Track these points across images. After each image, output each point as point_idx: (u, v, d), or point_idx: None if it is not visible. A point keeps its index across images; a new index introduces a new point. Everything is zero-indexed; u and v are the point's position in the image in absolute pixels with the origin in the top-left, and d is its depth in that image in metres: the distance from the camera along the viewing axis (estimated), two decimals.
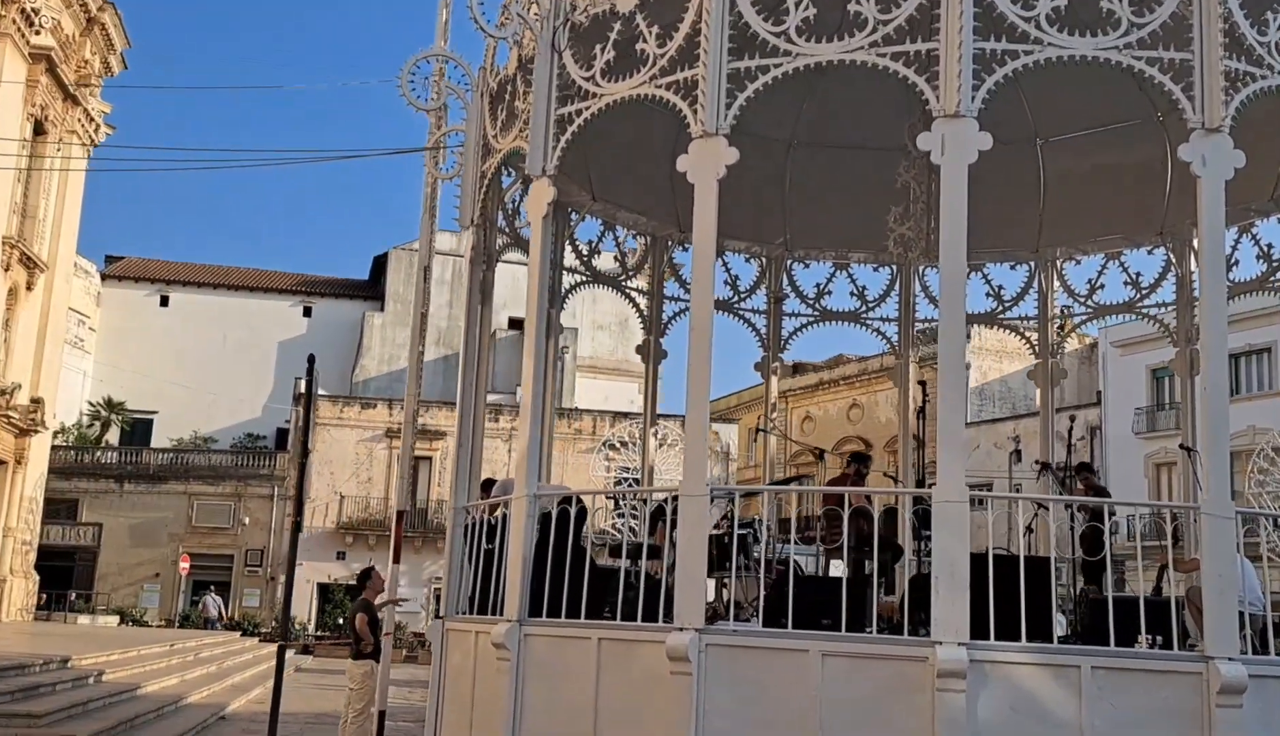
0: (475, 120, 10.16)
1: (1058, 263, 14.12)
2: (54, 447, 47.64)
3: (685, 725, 7.57)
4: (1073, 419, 10.71)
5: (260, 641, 35.16)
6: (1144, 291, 13.58)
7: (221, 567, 46.26)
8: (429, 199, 12.62)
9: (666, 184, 12.12)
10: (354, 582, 9.58)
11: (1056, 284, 14.15)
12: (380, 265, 58.02)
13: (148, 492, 47.01)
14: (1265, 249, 12.46)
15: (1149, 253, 13.53)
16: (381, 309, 56.20)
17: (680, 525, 7.94)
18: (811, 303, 14.89)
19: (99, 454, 49.53)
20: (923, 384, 8.31)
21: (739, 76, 8.09)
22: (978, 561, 7.55)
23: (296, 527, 9.61)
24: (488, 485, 11.15)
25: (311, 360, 9.70)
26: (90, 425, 53.96)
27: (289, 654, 34.12)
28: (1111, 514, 8.20)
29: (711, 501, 8.03)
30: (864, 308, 14.84)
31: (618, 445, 38.12)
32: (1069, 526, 9.22)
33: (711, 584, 10.76)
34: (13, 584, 31.50)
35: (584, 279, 13.47)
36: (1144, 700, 7.39)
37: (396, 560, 13.61)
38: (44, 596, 40.51)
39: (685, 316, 16.09)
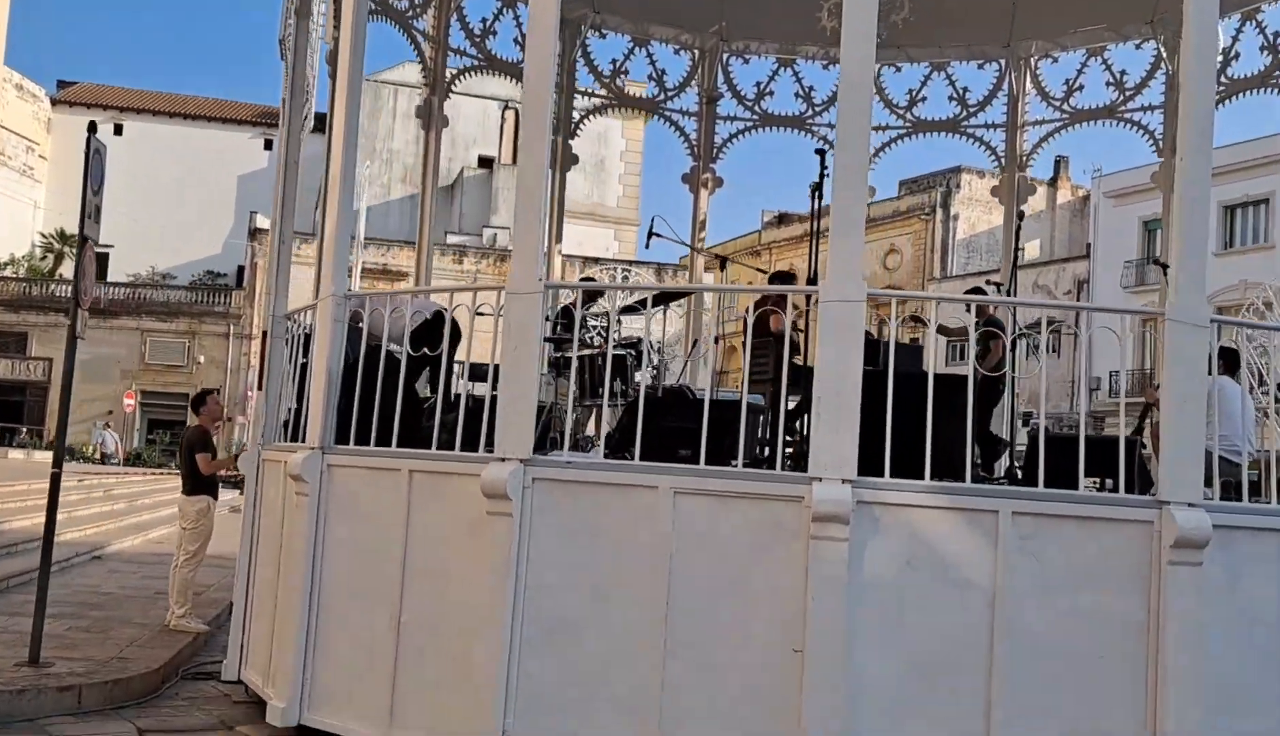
0: None
1: (1032, 60, 12.19)
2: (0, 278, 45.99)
3: (504, 576, 6.02)
4: (1021, 218, 8.95)
5: None
6: (1128, 93, 11.69)
7: (175, 406, 44.88)
8: None
9: None
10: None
11: (1029, 85, 12.24)
12: None
13: (98, 327, 45.12)
14: (1271, 39, 10.54)
15: (1136, 47, 11.60)
16: None
17: (505, 331, 6.26)
18: (750, 105, 12.98)
19: (51, 287, 47.68)
20: (821, 153, 6.56)
21: None
22: (875, 381, 5.92)
23: (72, 336, 7.93)
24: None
25: (90, 138, 7.84)
26: (43, 258, 52.05)
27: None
28: (1035, 328, 6.50)
29: (550, 301, 6.34)
30: (810, 112, 12.93)
31: None
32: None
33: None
34: None
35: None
36: (1078, 555, 5.83)
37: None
38: None
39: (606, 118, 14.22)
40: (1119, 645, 5.81)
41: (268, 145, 55.30)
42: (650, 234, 8.73)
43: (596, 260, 45.88)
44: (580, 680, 5.98)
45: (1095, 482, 7.15)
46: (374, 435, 6.78)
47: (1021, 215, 9.47)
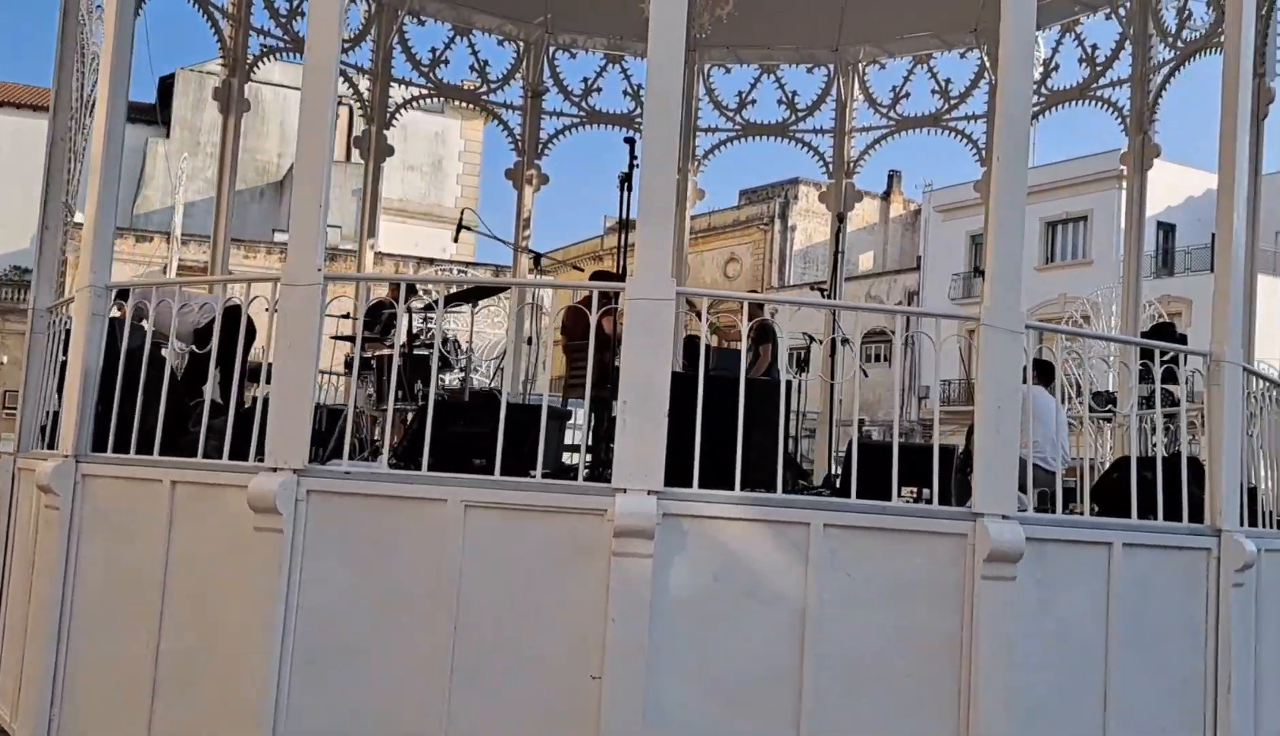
0: None
1: (860, 66, 12.13)
2: None
3: (272, 598, 5.40)
4: (841, 221, 8.81)
5: None
6: (953, 101, 11.74)
7: None
8: None
9: None
10: None
11: (857, 91, 12.17)
12: (167, 88, 52.62)
13: None
14: (1089, 51, 10.69)
15: (961, 56, 11.65)
16: (167, 136, 51.11)
17: (279, 326, 5.65)
18: (577, 101, 12.57)
19: None
20: (630, 142, 6.19)
21: None
22: (688, 385, 5.54)
23: None
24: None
25: None
26: None
27: None
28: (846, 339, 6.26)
29: (325, 289, 5.76)
30: (638, 110, 12.58)
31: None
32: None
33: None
34: None
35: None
36: (891, 569, 5.55)
37: None
38: None
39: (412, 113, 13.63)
40: (932, 662, 5.55)
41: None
42: (459, 227, 8.22)
43: (431, 261, 44.78)
44: (358, 713, 5.41)
45: (914, 493, 6.95)
46: (134, 441, 6.07)
47: (842, 218, 9.31)
